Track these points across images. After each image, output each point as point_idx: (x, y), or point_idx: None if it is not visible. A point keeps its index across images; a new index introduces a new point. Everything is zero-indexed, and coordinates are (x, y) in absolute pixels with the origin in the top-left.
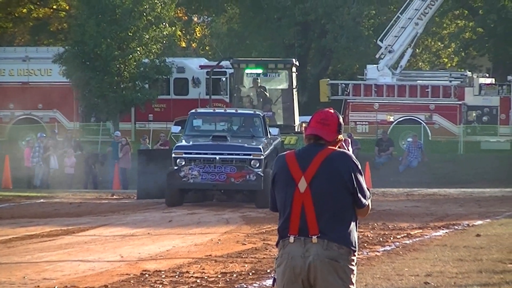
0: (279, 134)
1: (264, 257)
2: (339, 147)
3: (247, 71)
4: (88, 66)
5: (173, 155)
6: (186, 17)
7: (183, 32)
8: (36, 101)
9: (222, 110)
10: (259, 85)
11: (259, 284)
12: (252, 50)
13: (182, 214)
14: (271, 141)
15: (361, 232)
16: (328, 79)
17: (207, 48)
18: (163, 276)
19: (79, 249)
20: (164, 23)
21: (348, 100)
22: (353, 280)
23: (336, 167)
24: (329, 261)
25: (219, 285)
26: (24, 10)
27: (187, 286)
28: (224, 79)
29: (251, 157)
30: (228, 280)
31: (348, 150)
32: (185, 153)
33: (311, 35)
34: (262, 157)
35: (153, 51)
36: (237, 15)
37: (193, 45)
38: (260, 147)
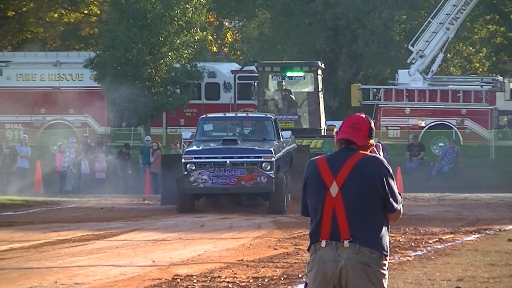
0: (292, 137)
1: (295, 262)
2: (370, 152)
3: (273, 73)
4: (119, 71)
5: (183, 160)
6: (217, 22)
7: (214, 37)
8: (67, 106)
9: (233, 115)
10: (284, 88)
11: None
12: (283, 55)
13: (213, 219)
14: (284, 144)
15: (393, 237)
16: (360, 84)
17: (238, 53)
18: (195, 280)
19: (110, 253)
20: (195, 28)
21: (379, 105)
22: (385, 285)
23: (367, 171)
24: (360, 265)
25: None
26: (55, 15)
27: None
28: (255, 83)
29: (262, 159)
30: (259, 285)
31: (379, 154)
32: (195, 158)
33: (342, 40)
34: (273, 159)
35: (184, 56)
36: (268, 20)
37: (224, 49)
38: (271, 149)
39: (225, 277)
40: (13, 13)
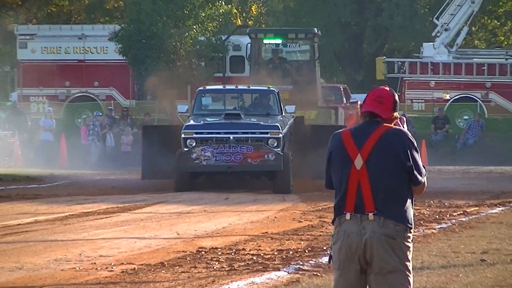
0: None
1: (320, 235)
2: (394, 125)
3: (266, 41)
4: (144, 44)
5: (182, 136)
6: None
7: (239, 10)
8: (92, 79)
9: (233, 87)
10: (278, 57)
11: (315, 262)
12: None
13: (238, 192)
14: (287, 119)
15: (417, 209)
16: (384, 57)
17: (263, 26)
18: (219, 253)
19: (135, 226)
20: (220, 1)
21: (404, 78)
22: (409, 257)
23: (392, 144)
24: (385, 238)
25: (275, 262)
26: None
27: (243, 263)
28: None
29: (269, 135)
30: (284, 257)
31: (404, 127)
32: (196, 133)
33: (366, 13)
34: (280, 135)
35: (209, 29)
36: None
37: (249, 23)
38: (278, 124)
39: (250, 249)
40: None
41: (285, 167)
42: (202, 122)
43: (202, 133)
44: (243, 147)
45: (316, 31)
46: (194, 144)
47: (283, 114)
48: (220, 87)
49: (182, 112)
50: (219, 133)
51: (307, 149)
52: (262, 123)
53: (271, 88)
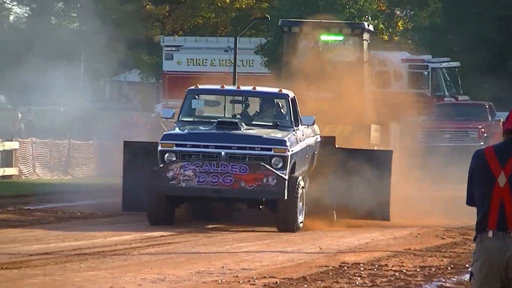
0: (315, 127)
1: (463, 252)
2: None
3: (302, 36)
4: None
5: (159, 148)
6: (388, 10)
7: (386, 25)
8: None
9: (233, 88)
10: (318, 56)
11: (457, 279)
12: (453, 45)
13: None
14: (303, 134)
15: None
16: None
17: (409, 42)
18: (362, 268)
19: (278, 240)
20: (366, 16)
21: None
22: None
23: None
24: None
25: (417, 279)
26: (227, 1)
27: (385, 279)
28: (426, 73)
29: (272, 152)
30: (426, 274)
31: None
32: (177, 145)
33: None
34: (287, 153)
35: None
36: (439, 9)
37: (395, 38)
38: (285, 139)
39: (392, 265)
40: None
41: (291, 196)
42: (186, 131)
43: (185, 145)
44: (235, 166)
45: (367, 26)
46: (174, 159)
47: (299, 126)
48: (217, 87)
49: (166, 118)
50: (207, 146)
51: (349, 177)
52: (264, 136)
53: (284, 92)
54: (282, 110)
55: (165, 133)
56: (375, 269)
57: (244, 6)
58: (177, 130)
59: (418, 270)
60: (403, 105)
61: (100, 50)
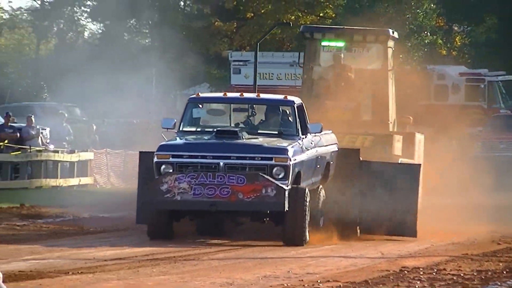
0: (332, 136)
1: None
2: None
3: (324, 43)
4: None
5: (155, 159)
6: (447, 26)
7: (444, 40)
8: None
9: (236, 95)
10: (341, 63)
11: None
12: (509, 60)
13: None
14: (311, 142)
15: None
16: None
17: (466, 56)
18: (421, 272)
19: (342, 246)
20: (425, 32)
21: None
22: None
23: None
24: None
25: (474, 282)
26: (292, 18)
27: (444, 282)
28: (482, 86)
29: (273, 161)
30: (483, 277)
31: None
32: (174, 156)
33: None
34: (289, 162)
35: (415, 58)
36: (496, 25)
37: (453, 53)
38: (287, 147)
39: (450, 269)
40: (252, 14)
41: (295, 208)
42: (184, 141)
43: (181, 156)
44: (232, 177)
45: (391, 33)
46: (170, 170)
47: (307, 134)
48: (220, 95)
49: (167, 128)
50: (205, 156)
51: (374, 191)
52: (265, 145)
53: (290, 98)
54: (289, 118)
55: (161, 143)
56: (434, 273)
57: (308, 22)
58: (174, 141)
59: (475, 274)
60: (460, 117)
61: (171, 65)
